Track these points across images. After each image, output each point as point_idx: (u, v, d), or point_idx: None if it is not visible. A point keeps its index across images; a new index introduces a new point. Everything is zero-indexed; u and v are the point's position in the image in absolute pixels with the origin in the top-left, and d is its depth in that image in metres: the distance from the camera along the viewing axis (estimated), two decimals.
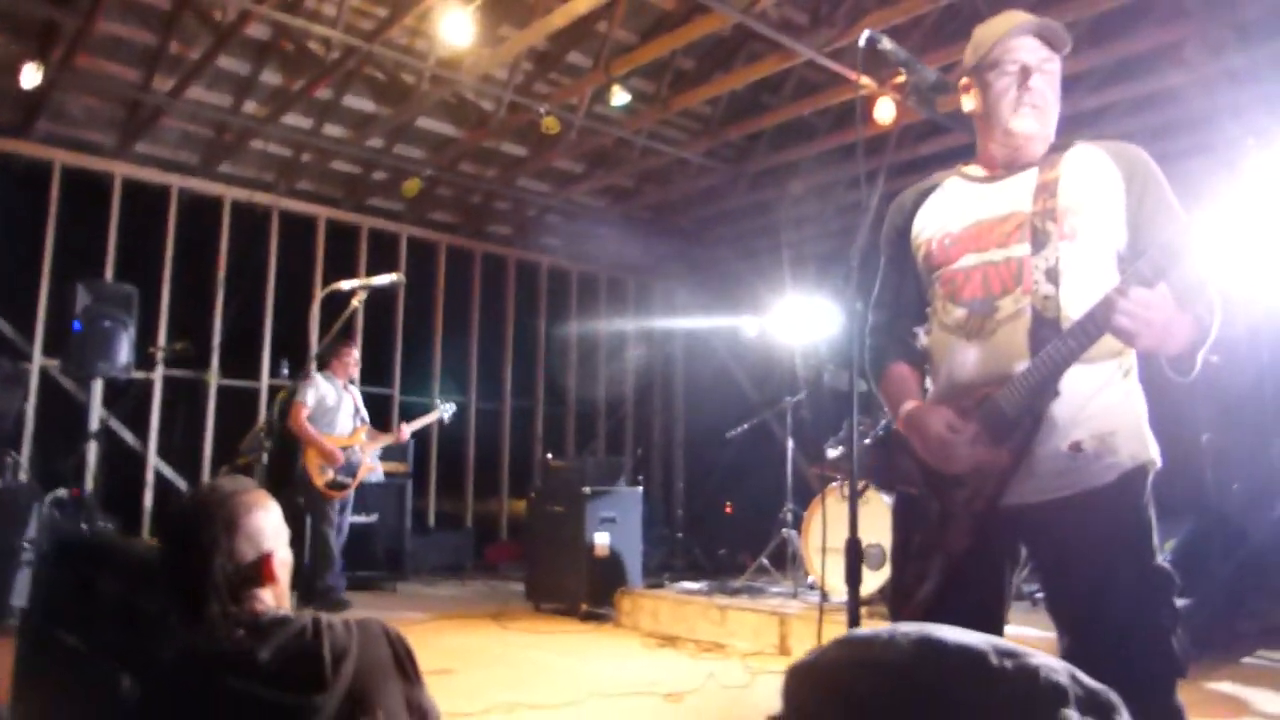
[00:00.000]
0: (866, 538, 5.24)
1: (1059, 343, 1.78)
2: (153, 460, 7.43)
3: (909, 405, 2.01)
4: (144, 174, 7.54)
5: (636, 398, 10.66)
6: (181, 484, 7.52)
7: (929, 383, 2.12)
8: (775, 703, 3.68)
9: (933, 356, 2.08)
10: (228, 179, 7.98)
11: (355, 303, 3.42)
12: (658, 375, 10.89)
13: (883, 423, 2.10)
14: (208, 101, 6.95)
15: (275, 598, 1.66)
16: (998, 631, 2.01)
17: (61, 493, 6.01)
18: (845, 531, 5.49)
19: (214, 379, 7.77)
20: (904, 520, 2.11)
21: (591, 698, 3.91)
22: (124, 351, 6.51)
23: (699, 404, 10.58)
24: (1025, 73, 1.97)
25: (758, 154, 7.95)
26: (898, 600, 2.10)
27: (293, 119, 7.25)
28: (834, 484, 5.33)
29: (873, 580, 4.95)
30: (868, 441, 2.31)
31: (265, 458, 3.45)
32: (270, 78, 6.89)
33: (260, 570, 1.62)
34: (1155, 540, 1.80)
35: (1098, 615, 1.78)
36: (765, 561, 5.67)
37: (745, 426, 6.09)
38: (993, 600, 1.99)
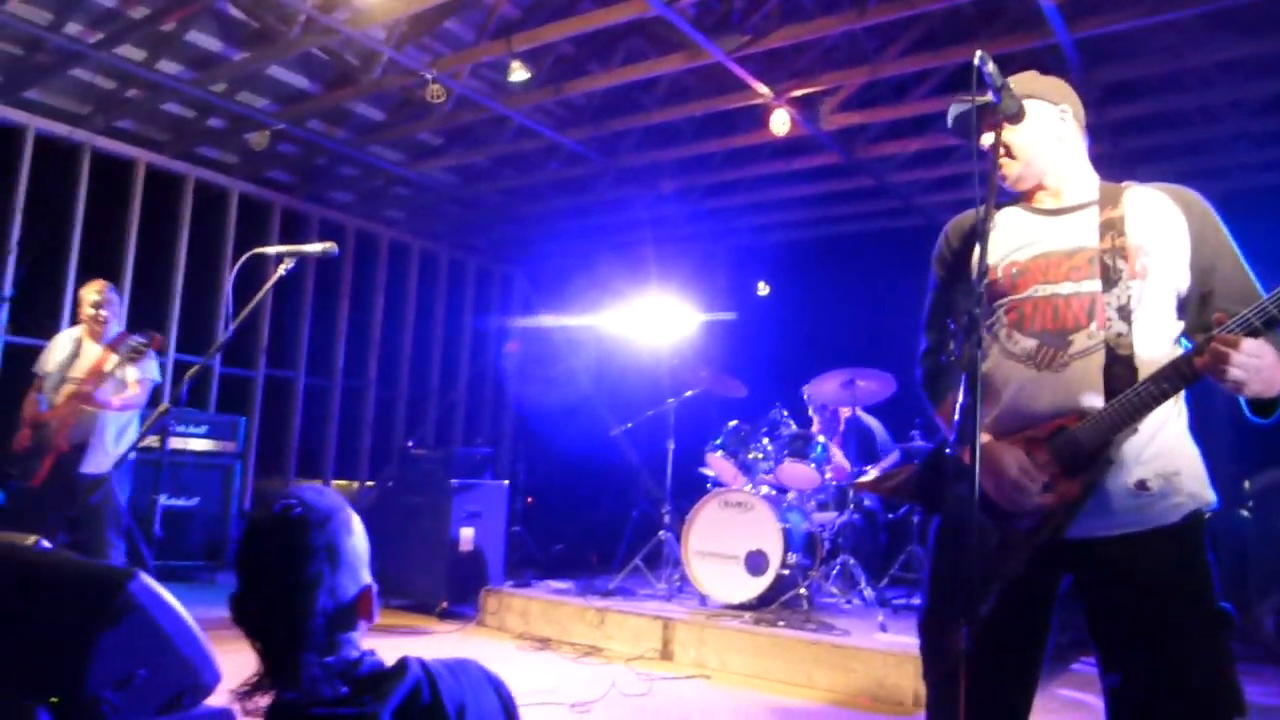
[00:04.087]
0: (748, 545, 5.30)
1: (1150, 384, 1.79)
2: None
3: (981, 439, 1.98)
4: None
5: (470, 385, 10.30)
6: None
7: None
8: (681, 710, 3.62)
9: (992, 382, 2.04)
10: (33, 106, 6.94)
11: (281, 270, 3.02)
12: (491, 364, 10.58)
13: (931, 446, 2.08)
14: (19, 14, 5.99)
15: (361, 636, 1.39)
16: (1041, 659, 2.02)
17: None
18: (724, 537, 5.47)
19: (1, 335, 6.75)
20: (950, 543, 2.07)
21: None
22: None
23: (534, 396, 10.39)
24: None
25: (624, 150, 7.84)
26: (938, 625, 2.05)
27: (124, 49, 6.40)
28: (717, 489, 5.34)
29: (756, 585, 5.01)
30: (916, 463, 2.24)
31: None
32: None
33: (359, 608, 1.35)
34: (1216, 581, 1.86)
35: (1162, 653, 1.80)
36: (640, 563, 5.60)
37: (630, 425, 5.99)
38: (1042, 626, 1.99)
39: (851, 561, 5.28)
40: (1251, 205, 6.93)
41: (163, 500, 6.23)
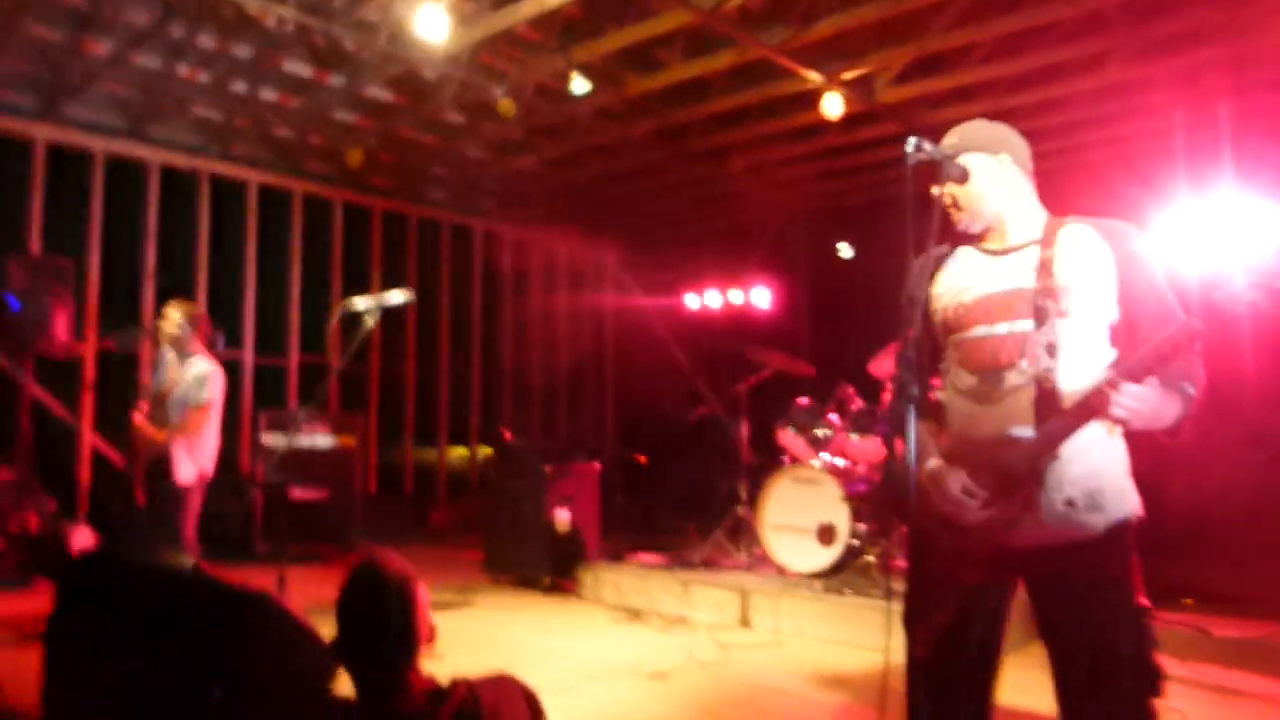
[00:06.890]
0: (819, 517, 5.62)
1: (1060, 420, 2.09)
2: (88, 436, 7.27)
3: (932, 464, 2.29)
4: (67, 137, 7.25)
5: (570, 366, 10.86)
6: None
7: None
8: (751, 677, 4.11)
9: (946, 412, 2.36)
10: (155, 142, 7.72)
11: (370, 322, 3.50)
12: (589, 345, 11.09)
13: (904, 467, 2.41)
14: (138, 64, 6.69)
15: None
16: (1000, 650, 2.34)
17: None
18: (796, 511, 5.79)
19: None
20: (919, 551, 2.39)
21: (584, 682, 4.18)
22: (62, 327, 6.36)
23: (629, 375, 10.87)
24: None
25: (696, 133, 8.10)
26: (912, 619, 2.39)
27: (229, 83, 7.05)
28: (787, 467, 5.68)
29: (824, 554, 5.36)
30: (892, 482, 2.57)
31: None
32: (207, 41, 6.65)
33: (431, 639, 1.82)
34: (1136, 579, 2.15)
35: (1090, 645, 2.12)
36: (721, 536, 6.03)
37: (704, 411, 6.39)
38: (996, 625, 2.31)
39: None
40: None
41: (295, 491, 7.03)
